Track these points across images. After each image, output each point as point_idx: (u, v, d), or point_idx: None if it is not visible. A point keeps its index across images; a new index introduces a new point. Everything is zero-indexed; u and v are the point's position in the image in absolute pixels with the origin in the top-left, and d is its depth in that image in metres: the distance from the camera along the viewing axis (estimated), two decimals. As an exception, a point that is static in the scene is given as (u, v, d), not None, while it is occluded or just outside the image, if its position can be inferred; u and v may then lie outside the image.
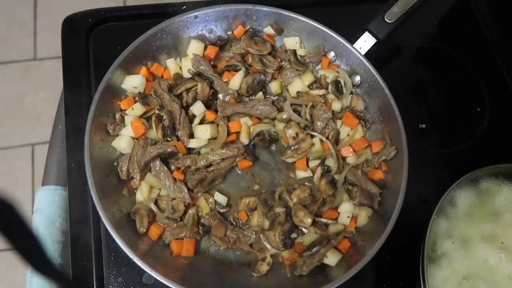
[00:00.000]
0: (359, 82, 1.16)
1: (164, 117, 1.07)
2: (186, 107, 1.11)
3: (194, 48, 1.15)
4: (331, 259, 0.99)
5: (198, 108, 1.10)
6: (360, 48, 1.13)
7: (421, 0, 1.11)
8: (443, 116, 1.28)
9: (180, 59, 1.17)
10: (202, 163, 1.05)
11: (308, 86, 1.17)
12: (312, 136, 1.11)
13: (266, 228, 1.04)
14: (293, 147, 1.09)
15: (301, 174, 1.10)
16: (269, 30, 1.19)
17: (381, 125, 1.13)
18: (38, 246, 0.65)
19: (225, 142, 1.08)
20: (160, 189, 1.05)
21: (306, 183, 1.10)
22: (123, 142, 1.04)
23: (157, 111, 1.08)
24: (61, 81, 1.19)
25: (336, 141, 1.12)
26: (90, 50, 1.22)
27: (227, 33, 1.20)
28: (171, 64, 1.15)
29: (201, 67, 1.13)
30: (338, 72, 1.16)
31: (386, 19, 1.11)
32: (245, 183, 1.10)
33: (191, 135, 1.08)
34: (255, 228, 1.03)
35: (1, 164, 2.36)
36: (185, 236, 1.01)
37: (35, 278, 1.04)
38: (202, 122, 1.10)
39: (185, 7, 1.25)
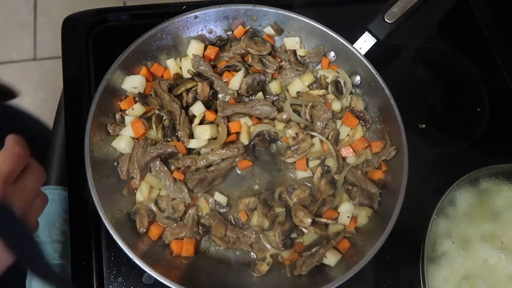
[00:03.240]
0: (359, 82, 1.16)
1: (164, 117, 1.07)
2: (186, 107, 1.11)
3: (194, 48, 1.15)
4: (331, 259, 0.99)
5: (198, 108, 1.10)
6: (360, 48, 1.13)
7: (421, 0, 1.11)
8: (443, 116, 1.28)
9: (180, 59, 1.17)
10: (202, 163, 1.05)
11: (308, 86, 1.17)
12: (312, 136, 1.11)
13: (266, 228, 1.04)
14: (293, 147, 1.09)
15: (301, 174, 1.10)
16: (269, 30, 1.19)
17: (381, 125, 1.13)
18: (35, 248, 0.65)
19: (225, 142, 1.08)
20: (160, 189, 1.05)
21: (306, 183, 1.10)
22: (123, 142, 1.04)
23: (157, 111, 1.08)
24: (61, 81, 1.19)
25: (336, 141, 1.12)
26: (90, 50, 1.21)
27: (227, 33, 1.20)
28: (171, 64, 1.15)
29: (201, 67, 1.13)
30: (338, 72, 1.16)
31: (386, 19, 1.11)
32: (245, 183, 1.10)
33: (191, 135, 1.08)
34: (255, 228, 1.03)
35: (1, 164, 2.35)
36: (185, 236, 1.01)
37: (34, 279, 1.04)
38: (202, 122, 1.10)
39: (185, 7, 1.25)
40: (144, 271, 0.92)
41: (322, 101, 1.14)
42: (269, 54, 1.17)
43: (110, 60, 1.05)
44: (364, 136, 1.14)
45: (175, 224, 1.01)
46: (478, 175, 1.04)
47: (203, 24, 1.16)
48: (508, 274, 0.97)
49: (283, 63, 1.19)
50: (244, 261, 1.03)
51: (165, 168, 1.03)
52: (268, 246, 1.02)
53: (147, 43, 1.10)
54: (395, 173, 1.05)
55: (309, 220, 1.00)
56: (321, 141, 1.11)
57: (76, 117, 1.12)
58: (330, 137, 1.11)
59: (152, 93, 1.11)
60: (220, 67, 1.16)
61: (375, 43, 1.12)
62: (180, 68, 1.16)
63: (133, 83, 1.08)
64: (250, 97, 1.16)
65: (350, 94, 1.17)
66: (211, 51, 1.16)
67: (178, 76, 1.14)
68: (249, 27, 1.19)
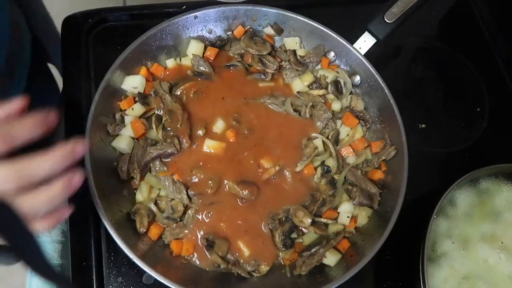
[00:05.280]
0: (359, 82, 1.16)
1: (165, 117, 1.06)
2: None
3: (194, 48, 1.15)
4: (330, 259, 0.99)
5: (219, 125, 1.07)
6: (360, 48, 1.13)
7: (421, 0, 1.11)
8: (443, 116, 1.28)
9: (180, 59, 1.17)
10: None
11: (308, 86, 1.17)
12: (313, 138, 1.11)
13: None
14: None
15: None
16: (269, 30, 1.19)
17: (381, 125, 1.13)
18: (36, 247, 0.65)
19: (242, 179, 1.03)
20: (160, 189, 1.05)
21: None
22: (123, 142, 1.04)
23: (157, 112, 1.08)
24: (61, 81, 1.19)
25: (336, 141, 1.12)
26: (90, 50, 1.22)
27: (227, 33, 1.20)
28: (171, 64, 1.15)
29: (201, 67, 1.13)
30: (338, 72, 1.17)
31: (386, 19, 1.11)
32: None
33: (191, 136, 1.07)
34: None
35: (1, 164, 2.35)
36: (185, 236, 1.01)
37: (34, 278, 1.04)
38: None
39: (185, 7, 1.25)
40: (144, 271, 0.92)
41: (322, 101, 1.14)
42: (269, 54, 1.17)
43: (110, 60, 1.05)
44: (364, 136, 1.14)
45: (174, 224, 1.01)
46: (478, 175, 1.04)
47: (203, 24, 1.16)
48: (508, 274, 0.97)
49: (283, 63, 1.19)
50: (244, 261, 1.03)
51: (165, 168, 1.03)
52: (268, 246, 1.02)
53: (147, 43, 1.10)
54: (395, 173, 1.05)
55: (309, 220, 1.00)
56: (321, 141, 1.11)
57: (76, 117, 1.12)
58: (330, 137, 1.11)
59: (152, 93, 1.11)
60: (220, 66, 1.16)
61: (375, 43, 1.12)
62: (180, 68, 1.16)
63: (133, 83, 1.08)
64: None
65: (350, 94, 1.17)
66: (211, 53, 1.16)
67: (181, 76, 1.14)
68: (249, 27, 1.19)
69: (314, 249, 1.00)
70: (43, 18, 1.44)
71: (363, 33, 1.13)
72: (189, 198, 1.01)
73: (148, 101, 1.09)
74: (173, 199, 1.02)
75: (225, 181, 1.03)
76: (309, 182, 1.07)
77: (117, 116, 1.07)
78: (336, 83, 1.15)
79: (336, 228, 1.04)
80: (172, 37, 1.13)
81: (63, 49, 1.21)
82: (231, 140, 1.06)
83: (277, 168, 1.04)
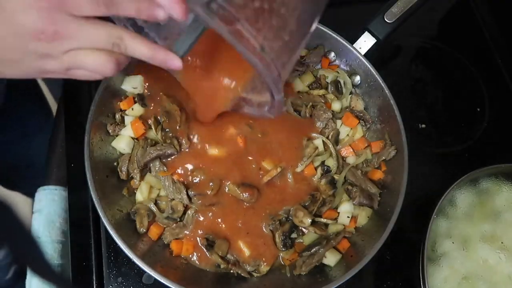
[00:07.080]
0: (359, 82, 1.16)
1: (163, 119, 1.06)
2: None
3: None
4: (330, 259, 0.99)
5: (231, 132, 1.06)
6: (360, 48, 1.13)
7: (421, 0, 1.11)
8: (443, 116, 1.28)
9: (180, 59, 1.16)
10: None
11: (308, 86, 1.17)
12: (313, 138, 1.11)
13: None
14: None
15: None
16: (269, 30, 1.19)
17: (381, 125, 1.13)
18: (35, 248, 0.65)
19: (243, 182, 1.03)
20: (159, 189, 1.05)
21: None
22: (123, 142, 1.04)
23: (157, 112, 1.08)
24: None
25: (336, 141, 1.12)
26: (90, 50, 1.21)
27: (227, 33, 1.19)
28: (171, 64, 1.15)
29: (201, 67, 1.13)
30: (338, 72, 1.17)
31: (386, 19, 1.11)
32: (245, 183, 1.10)
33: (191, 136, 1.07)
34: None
35: (1, 164, 2.35)
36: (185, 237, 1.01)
37: (34, 279, 1.04)
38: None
39: (185, 7, 1.25)
40: (144, 271, 0.92)
41: (322, 101, 1.14)
42: (269, 54, 1.17)
43: (110, 60, 1.05)
44: (364, 136, 1.14)
45: (174, 224, 1.01)
46: (478, 175, 1.04)
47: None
48: (508, 274, 0.97)
49: (283, 63, 1.19)
50: (244, 261, 1.03)
51: (165, 168, 1.03)
52: (268, 246, 1.02)
53: (147, 43, 1.09)
54: (395, 173, 1.05)
55: (309, 220, 1.00)
56: (322, 140, 1.11)
57: (76, 117, 1.12)
58: (330, 137, 1.11)
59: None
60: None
61: (375, 43, 1.12)
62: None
63: (133, 83, 1.08)
64: (250, 97, 1.15)
65: (350, 94, 1.17)
66: (211, 52, 1.16)
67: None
68: (249, 27, 1.19)
69: (314, 249, 1.00)
70: None
71: (363, 33, 1.13)
72: (189, 198, 1.01)
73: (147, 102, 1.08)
74: (173, 199, 1.02)
75: (226, 183, 1.03)
76: (309, 182, 1.07)
77: (117, 116, 1.07)
78: (336, 83, 1.15)
79: (336, 228, 1.04)
80: (172, 37, 1.13)
81: (63, 49, 1.21)
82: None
83: (278, 169, 1.04)
